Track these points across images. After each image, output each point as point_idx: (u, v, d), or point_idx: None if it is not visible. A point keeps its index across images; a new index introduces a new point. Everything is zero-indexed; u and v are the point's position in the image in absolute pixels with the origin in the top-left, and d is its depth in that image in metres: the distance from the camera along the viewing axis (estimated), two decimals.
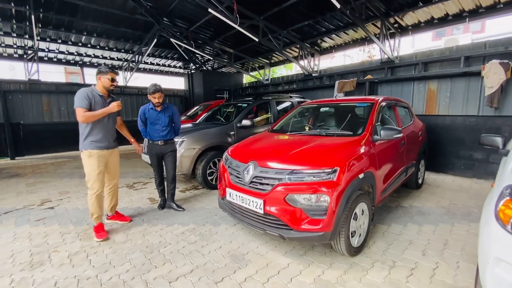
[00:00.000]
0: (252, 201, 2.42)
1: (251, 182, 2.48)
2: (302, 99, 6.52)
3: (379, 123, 3.14)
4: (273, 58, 9.88)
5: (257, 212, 2.40)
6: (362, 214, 2.54)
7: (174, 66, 12.45)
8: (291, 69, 15.68)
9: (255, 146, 3.03)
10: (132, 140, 3.47)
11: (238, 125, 5.04)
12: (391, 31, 5.72)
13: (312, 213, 2.21)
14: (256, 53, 9.51)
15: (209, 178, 4.53)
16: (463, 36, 13.36)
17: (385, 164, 2.95)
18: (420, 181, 4.41)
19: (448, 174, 5.25)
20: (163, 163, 3.71)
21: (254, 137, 3.40)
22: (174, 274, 2.27)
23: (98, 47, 8.99)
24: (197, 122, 6.10)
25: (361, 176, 2.43)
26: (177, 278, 2.22)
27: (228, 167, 2.85)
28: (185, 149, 4.32)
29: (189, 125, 5.42)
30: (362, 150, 2.57)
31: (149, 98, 3.47)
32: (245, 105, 5.57)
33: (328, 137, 2.93)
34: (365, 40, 6.53)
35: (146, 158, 4.76)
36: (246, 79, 12.67)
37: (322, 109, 3.67)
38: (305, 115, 3.98)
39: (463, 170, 5.07)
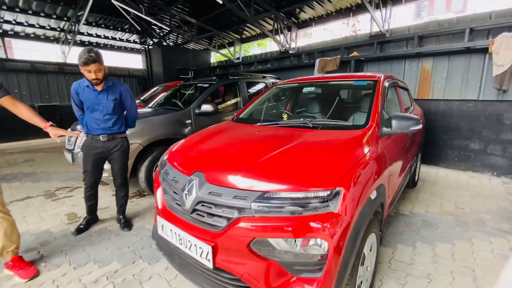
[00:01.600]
0: (195, 245, 1.41)
1: (194, 210, 1.46)
2: (278, 80, 5.51)
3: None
4: (245, 32, 8.62)
5: (204, 264, 1.40)
6: (370, 251, 1.66)
7: (128, 41, 10.60)
8: (265, 47, 14.41)
9: (206, 146, 1.97)
10: (46, 125, 1.99)
11: (196, 111, 3.91)
12: None
13: (298, 269, 1.27)
14: (225, 25, 8.18)
15: None
16: (445, 15, 13.01)
17: (394, 167, 2.08)
18: (416, 178, 3.72)
19: (440, 167, 4.66)
20: (104, 167, 2.62)
21: (208, 130, 2.33)
22: None
23: (17, 9, 7.00)
24: (146, 108, 4.84)
25: (373, 195, 1.52)
26: None
27: (163, 179, 1.79)
28: None
29: None
30: (369, 152, 1.64)
31: (81, 71, 2.24)
32: (207, 85, 4.42)
33: (318, 130, 1.95)
34: (350, 10, 5.59)
35: (70, 156, 3.50)
36: (215, 58, 11.29)
37: (305, 90, 2.66)
38: (281, 98, 2.96)
39: (456, 162, 4.49)
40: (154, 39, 10.01)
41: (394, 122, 1.95)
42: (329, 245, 1.22)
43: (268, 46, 14.30)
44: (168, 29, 7.99)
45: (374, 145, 1.76)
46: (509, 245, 2.37)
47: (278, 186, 1.31)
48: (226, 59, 9.52)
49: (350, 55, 5.36)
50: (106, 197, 3.47)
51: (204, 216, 1.42)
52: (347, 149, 1.60)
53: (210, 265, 1.35)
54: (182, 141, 2.16)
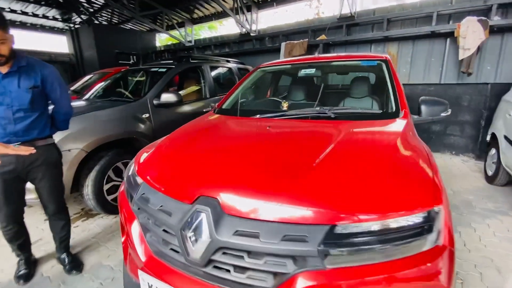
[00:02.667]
0: None
1: (210, 262, 0.90)
2: (242, 65, 4.94)
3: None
4: (196, 11, 7.66)
5: None
6: None
7: (46, 17, 8.51)
8: (216, 30, 13.38)
9: (203, 151, 1.35)
10: None
11: (155, 102, 3.12)
12: None
13: None
14: (172, 2, 7.10)
15: (110, 197, 2.60)
16: None
17: None
18: None
19: None
20: (25, 187, 1.75)
21: (192, 127, 1.70)
22: None
23: None
24: (81, 100, 3.79)
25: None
26: None
27: (139, 208, 1.15)
28: None
29: None
30: (422, 147, 1.29)
31: None
32: (164, 70, 3.60)
33: (344, 121, 1.52)
34: None
35: None
36: (160, 41, 9.98)
37: (302, 73, 2.18)
38: (272, 83, 2.45)
39: None
40: (82, 16, 8.21)
41: (423, 108, 1.66)
42: None
43: (219, 29, 13.33)
44: (101, 3, 6.54)
45: (417, 137, 1.43)
46: (504, 225, 2.40)
47: (358, 211, 0.84)
48: (176, 42, 8.42)
49: (318, 38, 5.10)
50: (36, 223, 2.53)
51: (229, 272, 0.88)
52: (408, 146, 1.21)
53: None
54: (157, 145, 1.50)
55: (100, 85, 4.26)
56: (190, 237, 0.92)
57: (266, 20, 6.63)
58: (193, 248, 0.92)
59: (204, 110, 3.22)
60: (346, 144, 1.20)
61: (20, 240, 1.81)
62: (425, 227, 0.83)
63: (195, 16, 7.85)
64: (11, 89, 1.52)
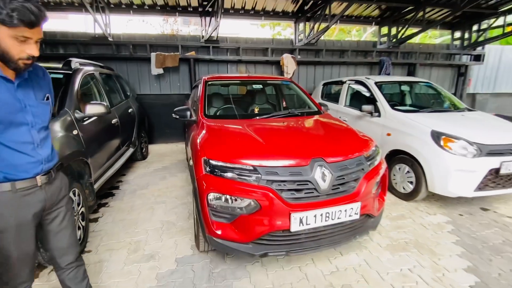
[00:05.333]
0: (345, 210, 1.81)
1: (333, 187, 1.80)
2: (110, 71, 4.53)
3: None
4: None
5: (351, 219, 1.85)
6: None
7: None
8: None
9: (271, 140, 2.05)
10: None
11: (76, 115, 2.59)
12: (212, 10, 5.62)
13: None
14: None
15: None
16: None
17: None
18: None
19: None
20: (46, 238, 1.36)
21: (220, 129, 2.29)
22: None
23: None
24: None
25: None
26: None
27: (268, 180, 1.71)
28: None
29: None
30: (347, 124, 2.80)
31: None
32: (61, 76, 2.87)
33: (304, 116, 2.74)
34: (176, 10, 5.76)
35: None
36: None
37: (255, 86, 3.06)
38: (225, 95, 3.14)
39: (165, 138, 6.31)
40: None
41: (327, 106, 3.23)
42: None
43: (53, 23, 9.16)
44: None
45: None
46: None
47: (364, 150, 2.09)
48: None
49: (188, 54, 5.74)
50: None
51: (339, 188, 1.83)
52: (343, 124, 2.64)
53: (357, 216, 1.85)
54: (236, 147, 1.98)
55: None
56: (319, 178, 1.75)
57: (117, 25, 6.09)
58: (323, 184, 1.76)
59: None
60: (318, 125, 2.44)
61: None
62: (376, 152, 2.24)
63: None
64: (30, 102, 1.18)
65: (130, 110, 4.38)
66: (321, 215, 1.74)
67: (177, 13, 5.95)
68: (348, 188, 1.86)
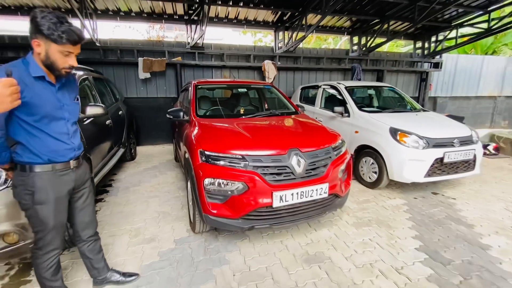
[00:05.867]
0: (316, 190, 2.23)
1: (306, 171, 2.23)
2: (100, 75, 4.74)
3: None
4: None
5: (321, 198, 2.27)
6: None
7: None
8: None
9: (255, 134, 2.45)
10: None
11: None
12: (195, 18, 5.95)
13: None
14: None
15: None
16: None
17: None
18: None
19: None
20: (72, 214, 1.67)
21: (211, 126, 2.63)
22: None
23: None
24: None
25: None
26: None
27: (254, 166, 2.10)
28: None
29: None
30: (319, 121, 3.26)
31: (49, 53, 1.36)
32: None
33: (283, 116, 3.17)
34: (162, 17, 6.02)
35: None
36: None
37: (240, 90, 3.45)
38: (213, 97, 3.49)
39: (153, 140, 6.62)
40: None
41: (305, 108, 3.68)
42: None
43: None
44: None
45: None
46: None
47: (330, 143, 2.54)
48: None
49: (174, 59, 6.03)
50: None
51: (311, 172, 2.26)
52: (315, 122, 3.09)
53: (326, 195, 2.28)
54: (226, 141, 2.34)
55: None
56: (295, 164, 2.17)
57: (104, 30, 6.23)
58: (299, 168, 2.17)
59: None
60: (295, 123, 2.88)
61: (60, 273, 1.66)
62: (342, 144, 2.70)
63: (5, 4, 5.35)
64: (66, 102, 1.51)
65: (120, 112, 4.60)
66: (297, 193, 2.15)
67: (163, 21, 6.22)
68: (319, 172, 2.29)
